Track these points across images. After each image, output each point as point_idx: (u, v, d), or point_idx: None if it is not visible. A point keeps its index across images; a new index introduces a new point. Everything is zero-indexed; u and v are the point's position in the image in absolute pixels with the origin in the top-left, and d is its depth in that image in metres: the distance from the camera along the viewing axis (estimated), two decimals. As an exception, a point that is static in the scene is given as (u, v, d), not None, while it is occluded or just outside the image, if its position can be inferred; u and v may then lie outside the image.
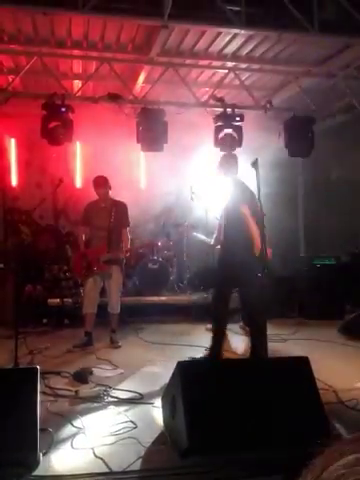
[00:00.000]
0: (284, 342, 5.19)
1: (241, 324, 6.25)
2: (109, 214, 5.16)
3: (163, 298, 7.05)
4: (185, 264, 7.94)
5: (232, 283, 4.38)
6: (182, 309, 7.14)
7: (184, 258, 8.00)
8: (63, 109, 5.84)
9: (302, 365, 2.54)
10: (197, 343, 5.32)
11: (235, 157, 4.81)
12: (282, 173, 6.98)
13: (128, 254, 5.47)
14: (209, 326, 6.25)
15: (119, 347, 5.10)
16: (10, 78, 6.40)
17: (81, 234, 5.39)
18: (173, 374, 2.57)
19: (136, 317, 6.64)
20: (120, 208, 5.27)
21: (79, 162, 8.25)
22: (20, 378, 2.33)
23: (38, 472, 2.21)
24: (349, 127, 6.99)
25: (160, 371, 4.14)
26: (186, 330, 6.29)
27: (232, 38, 5.55)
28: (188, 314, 7.14)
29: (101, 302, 5.35)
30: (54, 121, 5.83)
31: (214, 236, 6.27)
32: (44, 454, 2.36)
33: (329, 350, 4.79)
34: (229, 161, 4.62)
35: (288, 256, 7.64)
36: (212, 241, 6.23)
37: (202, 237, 6.33)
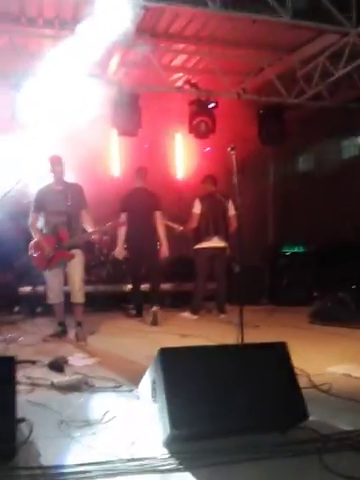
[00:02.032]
0: (256, 328, 5.27)
1: (215, 311, 6.31)
2: (66, 197, 4.81)
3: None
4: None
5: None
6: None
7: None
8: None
9: (280, 350, 2.57)
10: (171, 330, 5.34)
11: None
12: (253, 161, 7.02)
13: (95, 237, 5.08)
14: (182, 313, 6.32)
15: (85, 344, 4.72)
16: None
17: (35, 222, 4.92)
18: (154, 361, 2.55)
19: (109, 305, 6.60)
20: (76, 189, 4.94)
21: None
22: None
23: (16, 463, 2.16)
24: (318, 116, 7.07)
25: (136, 358, 4.12)
26: (160, 317, 6.27)
27: (206, 21, 5.49)
28: (160, 302, 7.14)
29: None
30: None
31: (186, 224, 6.29)
32: (23, 445, 2.31)
33: (300, 336, 4.89)
34: None
35: (257, 244, 7.74)
36: (180, 229, 6.27)
37: (170, 223, 6.32)
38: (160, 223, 6.07)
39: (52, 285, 4.89)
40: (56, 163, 4.85)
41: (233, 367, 2.49)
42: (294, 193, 8.08)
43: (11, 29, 5.70)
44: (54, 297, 4.92)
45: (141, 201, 6.07)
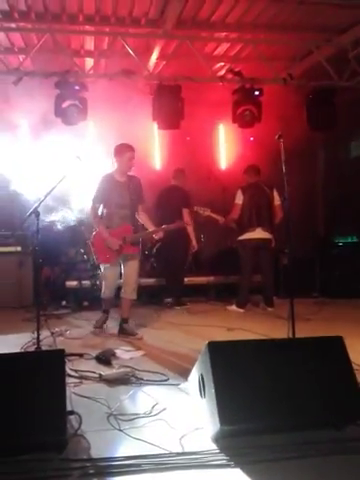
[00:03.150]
0: (307, 321, 5.10)
1: (262, 305, 6.17)
2: (128, 190, 4.63)
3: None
4: (202, 245, 7.86)
5: None
6: (200, 290, 7.09)
7: (201, 239, 7.91)
8: (77, 87, 5.70)
9: (336, 345, 2.44)
10: (217, 323, 5.26)
11: None
12: (301, 149, 6.77)
13: (158, 235, 4.83)
14: (229, 307, 6.22)
15: (140, 337, 4.62)
16: (21, 57, 6.27)
17: (97, 213, 4.73)
18: (202, 355, 2.49)
19: (155, 298, 6.59)
20: (136, 182, 4.75)
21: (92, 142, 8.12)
22: (46, 360, 2.27)
23: (67, 455, 2.16)
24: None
25: (182, 351, 4.09)
26: (205, 311, 6.23)
27: (250, 6, 5.32)
28: (206, 295, 7.09)
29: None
30: (68, 100, 5.71)
31: (229, 216, 6.18)
32: (73, 437, 2.31)
33: (355, 329, 4.67)
34: None
35: (307, 235, 7.49)
36: (223, 221, 6.17)
37: (213, 215, 6.24)
38: (187, 220, 6.30)
39: (110, 279, 4.76)
40: (123, 152, 4.64)
41: (285, 362, 2.39)
42: (346, 181, 7.73)
43: (52, 27, 5.76)
44: (109, 291, 4.81)
45: (172, 198, 6.46)
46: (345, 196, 7.85)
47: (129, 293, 4.75)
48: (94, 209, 4.73)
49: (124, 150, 4.66)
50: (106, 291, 4.82)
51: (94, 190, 4.72)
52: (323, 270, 7.07)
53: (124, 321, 4.79)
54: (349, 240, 7.18)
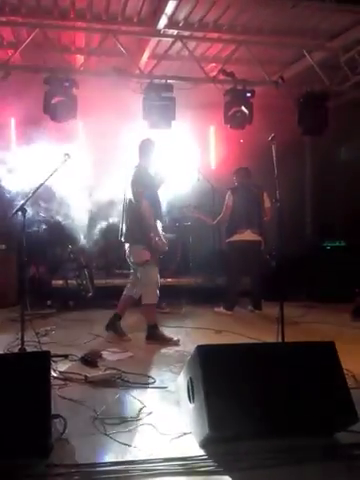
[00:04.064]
0: (295, 324, 5.08)
1: (250, 307, 6.15)
2: (157, 187, 4.59)
3: (169, 280, 6.93)
4: (190, 247, 7.83)
5: None
6: (187, 292, 7.03)
7: (189, 240, 7.88)
8: (67, 84, 5.61)
9: (328, 350, 2.41)
10: (205, 325, 5.21)
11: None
12: (289, 152, 6.78)
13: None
14: (216, 308, 6.18)
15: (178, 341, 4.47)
16: (10, 52, 6.15)
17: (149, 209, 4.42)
18: (191, 358, 2.44)
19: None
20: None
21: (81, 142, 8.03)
22: (30, 363, 2.19)
23: (52, 461, 2.09)
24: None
25: (170, 353, 4.04)
26: (193, 312, 6.18)
27: (243, 8, 5.30)
28: (194, 297, 7.04)
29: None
30: (57, 96, 5.62)
31: (219, 217, 6.16)
32: (57, 441, 2.24)
33: (343, 334, 4.68)
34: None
35: (294, 238, 7.50)
36: (212, 223, 6.13)
37: (202, 216, 6.19)
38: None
39: (155, 280, 4.50)
40: (152, 147, 4.59)
41: (276, 366, 2.35)
42: (334, 185, 7.76)
43: (43, 22, 5.67)
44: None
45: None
46: (333, 200, 7.89)
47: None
48: (148, 205, 4.40)
49: (150, 146, 4.63)
50: (156, 293, 4.52)
51: (141, 184, 4.41)
52: (311, 273, 7.07)
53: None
54: (337, 244, 7.20)
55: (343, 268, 6.77)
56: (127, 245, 4.60)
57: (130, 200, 4.47)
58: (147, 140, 4.65)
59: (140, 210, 4.38)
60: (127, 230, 4.54)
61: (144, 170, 4.55)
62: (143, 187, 4.40)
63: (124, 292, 4.78)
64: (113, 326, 4.69)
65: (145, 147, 4.61)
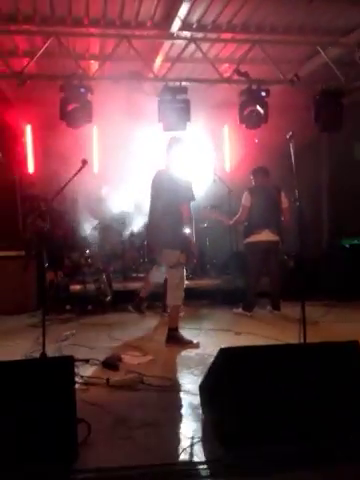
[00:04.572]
0: (316, 324, 5.02)
1: (269, 308, 6.10)
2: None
3: (187, 282, 6.91)
4: (207, 248, 7.82)
5: None
6: (206, 293, 7.02)
7: (206, 242, 7.86)
8: (82, 90, 5.66)
9: (352, 349, 2.37)
10: (225, 327, 5.19)
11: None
12: (306, 151, 6.72)
13: None
14: (235, 310, 6.15)
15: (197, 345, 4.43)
16: (25, 61, 6.24)
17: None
18: (215, 361, 2.43)
19: (160, 302, 6.52)
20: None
21: (97, 147, 8.08)
22: (55, 368, 2.20)
23: (78, 466, 2.10)
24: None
25: (190, 357, 4.02)
26: (211, 314, 6.16)
27: (257, 7, 5.28)
28: (212, 298, 7.02)
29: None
30: (73, 103, 5.67)
31: (235, 217, 6.12)
32: (82, 446, 2.25)
33: (365, 333, 4.59)
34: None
35: (313, 237, 7.43)
36: (231, 221, 6.10)
37: (219, 217, 6.16)
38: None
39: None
40: (176, 145, 4.55)
41: (301, 367, 2.31)
42: (351, 182, 7.66)
43: (57, 30, 5.73)
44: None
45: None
46: (350, 198, 7.78)
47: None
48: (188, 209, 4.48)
49: (175, 143, 4.60)
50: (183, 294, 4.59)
51: (191, 190, 4.46)
52: (329, 272, 6.99)
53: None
54: (355, 242, 7.10)
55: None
56: (159, 248, 4.60)
57: (168, 204, 4.44)
58: (174, 138, 4.61)
59: (182, 215, 4.37)
60: (163, 234, 4.49)
61: (179, 174, 4.48)
62: (188, 191, 4.39)
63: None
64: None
65: (173, 146, 4.55)
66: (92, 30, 5.90)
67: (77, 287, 6.55)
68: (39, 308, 5.89)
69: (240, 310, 6.08)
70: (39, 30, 5.75)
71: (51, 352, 3.77)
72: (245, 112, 5.80)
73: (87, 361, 3.78)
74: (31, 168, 7.92)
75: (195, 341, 4.50)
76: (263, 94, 5.75)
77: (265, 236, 5.89)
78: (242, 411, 2.19)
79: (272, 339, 4.34)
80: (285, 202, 5.89)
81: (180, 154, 4.55)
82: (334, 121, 5.97)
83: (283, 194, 5.91)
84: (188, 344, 4.43)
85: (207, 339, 4.66)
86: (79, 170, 3.86)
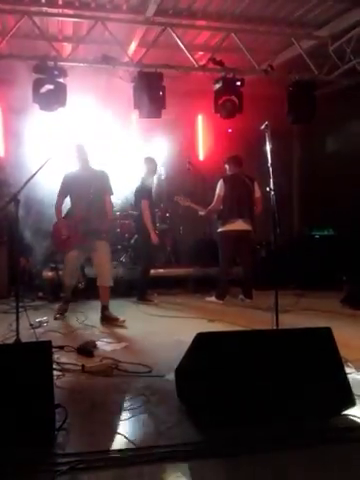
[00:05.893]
0: (287, 312, 5.14)
1: (241, 296, 6.20)
2: (89, 183, 4.93)
3: (160, 270, 6.94)
4: (181, 237, 7.84)
5: None
6: (179, 281, 7.06)
7: (180, 231, 7.89)
8: (56, 72, 5.53)
9: (325, 335, 2.45)
10: (198, 315, 5.25)
11: None
12: (278, 142, 6.80)
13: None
14: (208, 298, 6.22)
15: (123, 324, 4.78)
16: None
17: (59, 205, 5.12)
18: (191, 345, 2.47)
19: (133, 290, 6.52)
20: (100, 176, 5.06)
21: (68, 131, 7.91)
22: (32, 353, 2.19)
23: (56, 450, 2.10)
24: (350, 93, 6.78)
25: (164, 342, 4.06)
26: (185, 302, 6.22)
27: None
28: (185, 286, 7.07)
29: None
30: (46, 85, 5.54)
31: (210, 207, 6.16)
32: (59, 431, 2.25)
33: (335, 321, 4.74)
34: None
35: (284, 227, 7.54)
36: (203, 212, 6.15)
37: (193, 205, 6.21)
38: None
39: (67, 267, 5.10)
40: (80, 151, 5.07)
41: (275, 352, 2.38)
42: (322, 174, 7.81)
43: (30, 9, 5.56)
44: (69, 279, 5.14)
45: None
46: (321, 189, 7.95)
47: (102, 280, 5.02)
48: (57, 201, 5.13)
49: (77, 151, 5.10)
50: (65, 278, 5.25)
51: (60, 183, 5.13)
52: (299, 262, 7.15)
53: (104, 308, 4.99)
54: (325, 233, 7.28)
55: (331, 256, 6.86)
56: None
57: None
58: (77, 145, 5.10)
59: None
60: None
61: (72, 172, 5.12)
62: (61, 185, 5.10)
63: None
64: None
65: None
66: (66, 11, 5.75)
67: (49, 274, 6.48)
68: (10, 295, 5.81)
69: (213, 298, 6.16)
70: (11, 9, 5.58)
71: (25, 338, 3.72)
72: (220, 101, 5.81)
73: (62, 348, 3.77)
74: (1, 152, 7.70)
75: (121, 319, 4.84)
76: (238, 84, 5.76)
77: (238, 225, 5.96)
78: (217, 394, 2.24)
79: (244, 327, 4.42)
80: (258, 192, 5.97)
81: (79, 159, 5.07)
82: (306, 113, 6.05)
83: (256, 184, 5.99)
84: (115, 320, 4.84)
85: (180, 326, 4.71)
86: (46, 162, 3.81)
